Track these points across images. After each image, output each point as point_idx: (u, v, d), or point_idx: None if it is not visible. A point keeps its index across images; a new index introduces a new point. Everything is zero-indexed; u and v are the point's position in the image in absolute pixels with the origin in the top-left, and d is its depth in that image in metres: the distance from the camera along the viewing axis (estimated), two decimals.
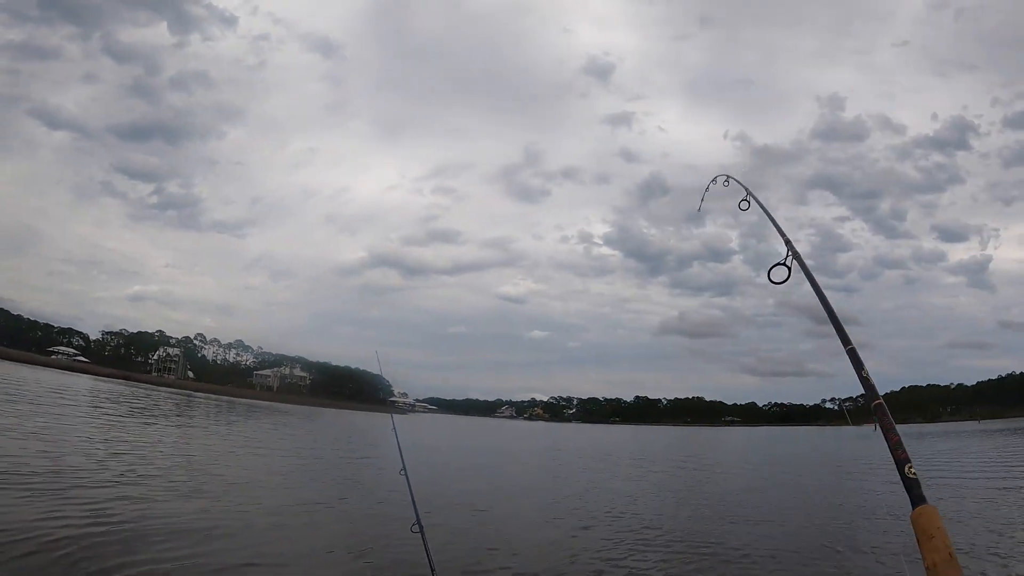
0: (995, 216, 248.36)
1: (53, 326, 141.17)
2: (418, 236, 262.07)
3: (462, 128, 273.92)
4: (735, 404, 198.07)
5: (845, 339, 2.42)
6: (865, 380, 2.26)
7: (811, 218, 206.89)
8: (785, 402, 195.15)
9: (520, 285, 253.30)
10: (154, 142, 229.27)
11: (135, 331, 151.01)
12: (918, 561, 1.82)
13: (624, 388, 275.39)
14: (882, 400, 2.16)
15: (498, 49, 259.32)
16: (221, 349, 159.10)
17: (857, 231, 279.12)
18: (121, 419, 27.30)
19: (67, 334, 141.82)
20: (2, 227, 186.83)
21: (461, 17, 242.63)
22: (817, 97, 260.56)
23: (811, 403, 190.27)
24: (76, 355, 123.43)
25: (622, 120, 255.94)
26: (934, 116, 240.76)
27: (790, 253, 2.81)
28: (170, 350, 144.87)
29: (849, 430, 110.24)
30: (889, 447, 2.02)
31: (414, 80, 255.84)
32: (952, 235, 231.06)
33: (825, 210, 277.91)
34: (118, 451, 16.51)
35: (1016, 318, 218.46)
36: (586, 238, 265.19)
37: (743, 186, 3.78)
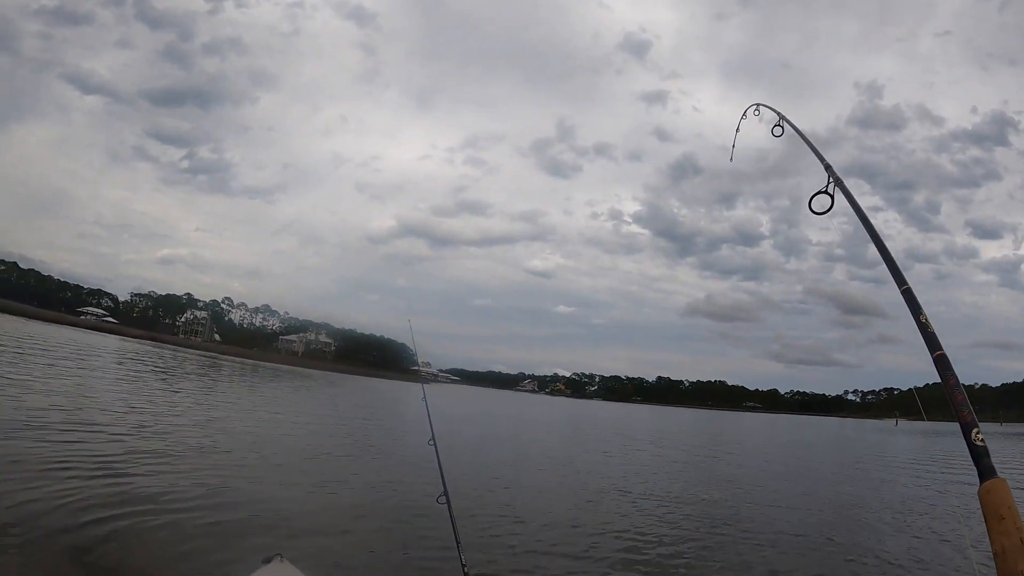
0: None
1: (83, 287, 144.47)
2: (448, 207, 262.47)
3: (495, 100, 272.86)
4: (757, 390, 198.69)
5: (899, 278, 2.03)
6: (923, 326, 1.89)
7: (843, 206, 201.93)
8: (807, 391, 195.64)
9: (548, 260, 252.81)
10: (187, 107, 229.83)
11: (163, 293, 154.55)
12: (980, 543, 1.49)
13: (647, 367, 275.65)
14: (944, 352, 1.79)
15: (534, 22, 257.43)
16: (248, 313, 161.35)
17: (890, 222, 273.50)
18: (144, 378, 27.48)
19: (96, 295, 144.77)
20: (34, 190, 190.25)
21: None
22: (856, 84, 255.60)
23: (833, 394, 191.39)
24: (105, 316, 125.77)
25: (657, 98, 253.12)
26: (974, 109, 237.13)
27: (831, 180, 2.48)
28: (197, 313, 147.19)
29: (871, 423, 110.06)
30: (952, 406, 1.68)
31: (448, 51, 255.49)
32: (986, 232, 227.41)
33: (859, 199, 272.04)
34: (137, 407, 16.48)
35: None
36: (616, 215, 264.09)
37: (775, 111, 3.45)
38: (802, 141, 3.08)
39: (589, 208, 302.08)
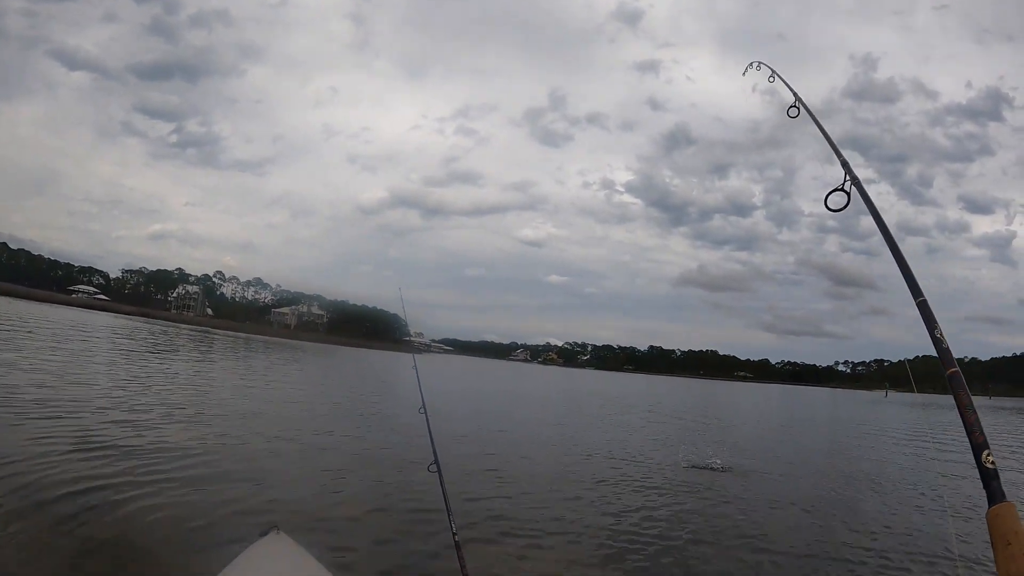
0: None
1: (74, 265, 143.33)
2: (439, 177, 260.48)
3: (486, 70, 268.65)
4: (748, 360, 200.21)
5: (915, 289, 1.94)
6: (938, 341, 1.81)
7: (837, 178, 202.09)
8: (798, 361, 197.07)
9: (540, 229, 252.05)
10: (174, 81, 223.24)
11: (155, 269, 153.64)
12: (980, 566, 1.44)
13: (639, 337, 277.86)
14: (958, 369, 1.71)
15: None
16: (240, 287, 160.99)
17: (883, 194, 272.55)
18: (134, 354, 27.32)
19: (87, 273, 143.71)
20: (23, 168, 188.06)
21: None
22: (851, 56, 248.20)
23: (824, 364, 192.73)
24: (96, 293, 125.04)
25: (650, 67, 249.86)
26: (969, 84, 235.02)
27: (848, 177, 2.39)
28: (189, 288, 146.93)
29: (861, 394, 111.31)
30: (965, 427, 1.62)
31: (439, 19, 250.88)
32: (978, 207, 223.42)
33: (855, 172, 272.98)
34: (126, 383, 16.38)
35: None
36: (608, 185, 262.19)
37: (791, 88, 3.27)
38: (816, 126, 2.99)
39: (581, 178, 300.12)
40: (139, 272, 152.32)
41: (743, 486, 12.01)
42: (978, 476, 1.48)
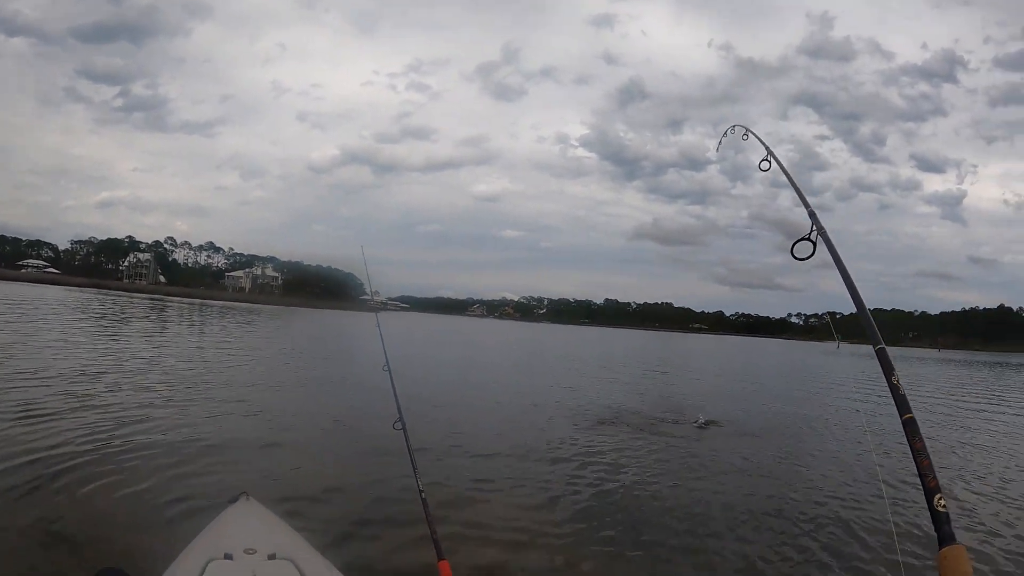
0: (975, 152, 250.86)
1: (21, 239, 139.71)
2: (392, 133, 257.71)
3: (439, 24, 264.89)
4: (703, 312, 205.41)
5: (875, 337, 2.00)
6: (894, 388, 1.85)
7: (791, 134, 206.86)
8: (752, 313, 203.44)
9: (495, 184, 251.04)
10: (118, 43, 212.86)
11: (105, 238, 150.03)
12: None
13: (595, 290, 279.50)
14: (913, 415, 1.76)
15: None
16: (192, 252, 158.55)
17: (836, 151, 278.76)
18: (85, 326, 26.66)
19: (36, 246, 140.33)
20: None
21: None
22: (808, 13, 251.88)
23: (777, 316, 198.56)
24: (46, 267, 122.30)
25: (605, 21, 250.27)
26: (924, 46, 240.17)
27: (815, 228, 2.42)
28: (140, 255, 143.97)
29: (814, 345, 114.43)
30: (919, 471, 1.67)
31: None
32: (930, 165, 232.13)
33: (806, 127, 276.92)
34: (76, 355, 15.94)
35: (985, 255, 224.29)
36: (563, 139, 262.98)
37: (764, 144, 3.34)
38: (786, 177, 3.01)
39: (535, 132, 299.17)
40: (88, 242, 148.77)
41: (715, 435, 12.44)
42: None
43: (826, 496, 8.28)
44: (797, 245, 2.39)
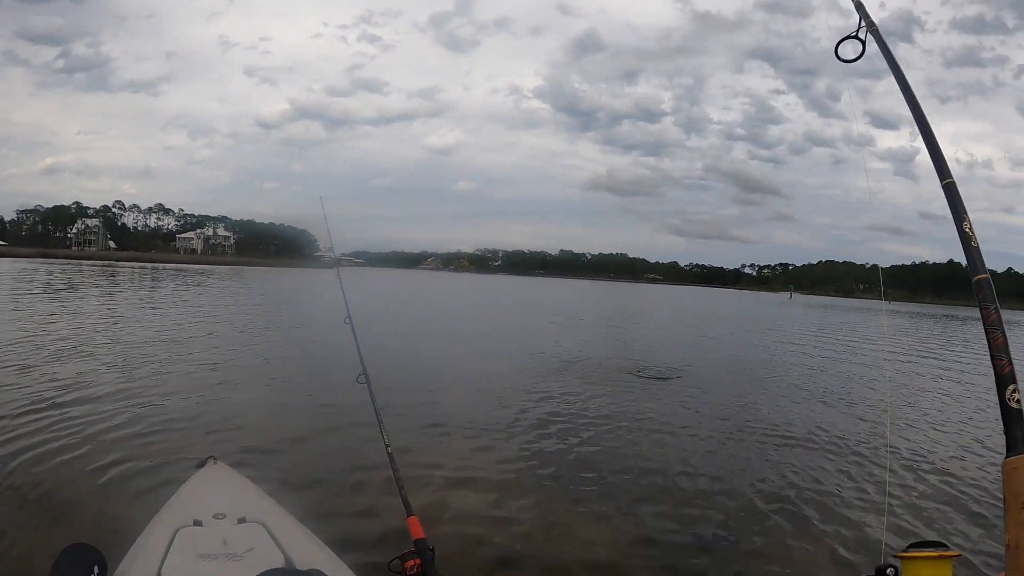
0: (929, 112, 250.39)
1: None
2: (342, 86, 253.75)
3: None
4: (658, 262, 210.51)
5: (943, 170, 1.56)
6: (966, 238, 1.43)
7: (746, 87, 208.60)
8: (706, 264, 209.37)
9: (448, 136, 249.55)
10: (57, 1, 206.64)
11: (51, 206, 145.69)
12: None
13: (550, 242, 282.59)
14: (987, 275, 1.36)
15: None
16: (142, 215, 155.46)
17: (791, 106, 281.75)
18: (30, 296, 25.88)
19: None
20: None
21: None
22: None
23: (731, 267, 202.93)
24: None
25: None
26: (882, 5, 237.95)
27: (863, 22, 1.95)
28: (88, 221, 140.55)
29: (767, 295, 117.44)
30: (991, 353, 1.30)
31: None
32: (884, 122, 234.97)
33: (761, 81, 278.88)
34: (25, 327, 15.39)
35: (936, 211, 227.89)
36: (517, 91, 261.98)
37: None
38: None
39: (489, 84, 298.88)
40: (35, 211, 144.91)
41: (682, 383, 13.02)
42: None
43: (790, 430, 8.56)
44: (842, 44, 2.01)
